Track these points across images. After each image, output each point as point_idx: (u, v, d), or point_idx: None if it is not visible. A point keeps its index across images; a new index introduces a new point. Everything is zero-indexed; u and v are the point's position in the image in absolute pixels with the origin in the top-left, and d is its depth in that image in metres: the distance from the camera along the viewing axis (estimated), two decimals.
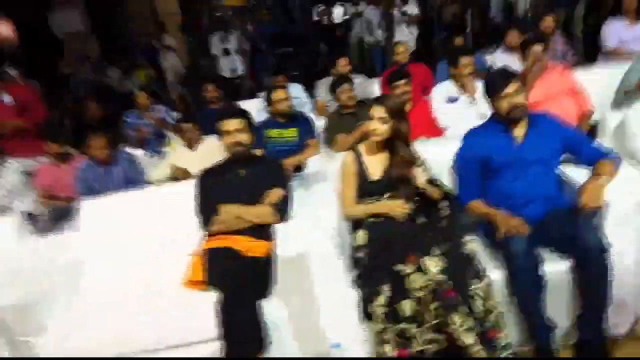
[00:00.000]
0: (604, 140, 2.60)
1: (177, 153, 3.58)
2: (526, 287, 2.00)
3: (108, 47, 7.16)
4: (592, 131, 2.95)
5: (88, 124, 4.58)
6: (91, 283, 2.54)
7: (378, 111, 2.26)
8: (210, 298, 2.11)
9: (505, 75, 2.22)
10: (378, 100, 2.31)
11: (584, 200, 2.00)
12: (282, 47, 5.87)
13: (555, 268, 2.05)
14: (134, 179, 3.36)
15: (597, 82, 3.53)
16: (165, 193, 2.88)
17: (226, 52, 5.69)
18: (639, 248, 2.05)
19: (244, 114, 2.53)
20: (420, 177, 2.27)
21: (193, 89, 5.61)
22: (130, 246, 2.64)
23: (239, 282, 2.09)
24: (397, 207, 2.23)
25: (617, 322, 2.08)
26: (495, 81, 2.23)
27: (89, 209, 2.81)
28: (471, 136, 2.35)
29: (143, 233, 2.67)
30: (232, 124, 2.43)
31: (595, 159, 2.19)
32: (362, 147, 2.41)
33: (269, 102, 3.51)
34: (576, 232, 1.99)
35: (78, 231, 2.77)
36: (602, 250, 1.94)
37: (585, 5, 5.26)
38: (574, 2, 5.38)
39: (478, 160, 2.27)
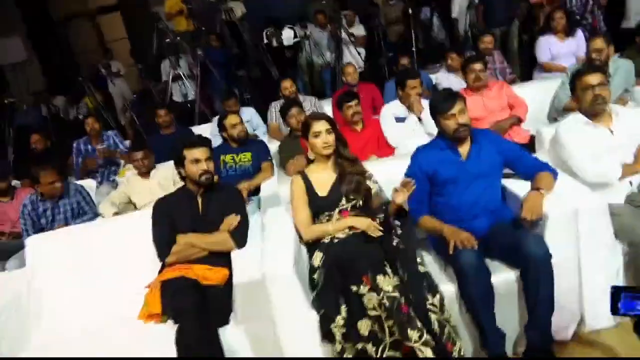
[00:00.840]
0: (541, 153, 2.74)
1: (130, 182, 3.52)
2: (477, 298, 2.07)
3: (53, 75, 6.96)
4: (531, 144, 3.11)
5: (32, 155, 4.45)
6: (39, 321, 2.46)
7: (322, 125, 2.36)
8: (169, 329, 2.08)
9: (450, 96, 2.33)
10: (316, 117, 2.41)
11: (525, 213, 2.11)
12: (234, 70, 5.89)
13: (503, 278, 2.14)
14: (84, 212, 3.28)
15: (534, 96, 3.74)
16: (119, 224, 2.82)
17: (177, 77, 5.67)
18: (577, 255, 2.17)
19: (209, 143, 2.55)
20: (373, 188, 2.39)
21: (144, 115, 5.53)
22: (82, 282, 2.56)
23: (196, 311, 2.06)
24: (370, 225, 2.21)
25: (560, 327, 2.18)
26: (441, 102, 2.33)
27: (36, 244, 2.71)
28: (419, 154, 2.44)
29: (96, 267, 2.60)
30: (201, 152, 2.44)
31: (533, 172, 2.31)
32: (308, 167, 2.47)
33: (222, 128, 3.52)
34: (520, 242, 2.08)
35: (24, 268, 2.67)
36: (545, 258, 2.04)
37: (519, 22, 5.57)
38: (509, 20, 5.69)
39: (426, 176, 2.36)
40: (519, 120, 3.48)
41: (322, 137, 2.36)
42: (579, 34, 4.42)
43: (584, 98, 2.46)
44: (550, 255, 2.05)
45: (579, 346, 2.22)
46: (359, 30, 5.96)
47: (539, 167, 2.33)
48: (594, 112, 2.44)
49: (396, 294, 1.95)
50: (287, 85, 4.31)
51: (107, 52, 7.07)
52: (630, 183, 2.38)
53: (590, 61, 3.43)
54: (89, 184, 3.77)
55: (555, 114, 3.54)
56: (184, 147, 2.44)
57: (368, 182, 2.41)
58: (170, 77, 5.64)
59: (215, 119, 3.99)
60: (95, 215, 3.35)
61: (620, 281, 2.25)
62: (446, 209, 2.34)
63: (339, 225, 2.31)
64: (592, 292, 2.23)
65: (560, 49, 4.35)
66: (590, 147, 2.41)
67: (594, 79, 2.43)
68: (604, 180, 2.36)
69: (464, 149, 2.34)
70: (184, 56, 5.87)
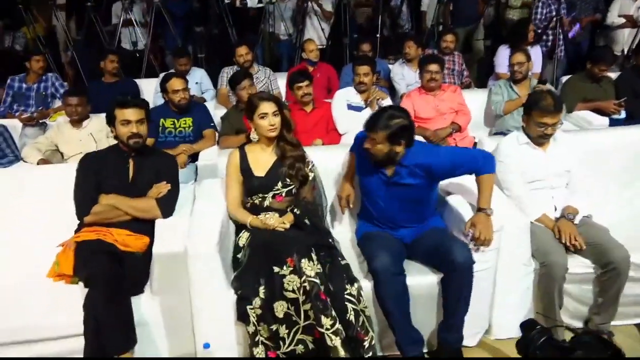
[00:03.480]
0: None
1: (60, 129, 3.30)
2: (390, 301, 2.11)
3: None
4: None
5: None
6: None
7: (270, 106, 2.29)
8: (79, 292, 2.02)
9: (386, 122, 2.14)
10: (263, 98, 2.34)
11: (477, 234, 2.12)
12: (191, 26, 5.59)
13: (427, 281, 2.19)
14: (4, 154, 3.06)
15: (484, 103, 3.85)
16: (39, 173, 2.68)
17: (128, 22, 5.32)
18: (495, 267, 2.26)
19: (144, 104, 2.40)
20: (310, 176, 2.38)
21: (87, 57, 5.17)
22: None
23: (107, 278, 1.98)
24: (276, 222, 2.24)
25: (469, 334, 2.27)
26: (376, 121, 2.18)
27: None
28: (359, 141, 2.34)
29: (8, 215, 2.46)
30: (133, 113, 2.29)
31: (471, 172, 2.23)
32: (248, 146, 2.42)
33: (164, 89, 3.33)
34: (446, 248, 2.12)
35: None
36: (469, 265, 2.09)
37: (485, 26, 5.63)
38: (476, 21, 5.73)
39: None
40: (459, 129, 3.54)
41: (268, 119, 2.29)
42: (537, 50, 4.53)
43: (535, 129, 2.45)
44: (473, 262, 2.11)
45: (483, 352, 2.32)
46: (326, 4, 5.79)
47: (474, 169, 2.22)
48: (536, 142, 2.50)
49: (317, 280, 1.98)
50: (243, 52, 4.14)
51: None
52: (555, 208, 2.48)
53: (512, 74, 3.63)
54: (13, 123, 3.52)
55: (498, 119, 3.67)
56: (117, 106, 2.29)
57: (307, 169, 2.39)
58: (121, 21, 5.29)
59: (162, 75, 3.78)
60: (17, 158, 3.14)
61: (529, 297, 2.35)
62: (372, 213, 2.37)
63: (256, 223, 2.27)
64: (503, 303, 2.34)
65: None
66: (524, 168, 2.47)
67: (552, 120, 2.41)
68: (520, 209, 2.40)
69: (390, 169, 2.24)
70: (139, 2, 5.52)
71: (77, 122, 3.28)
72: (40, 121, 3.82)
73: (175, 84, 3.28)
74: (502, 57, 4.49)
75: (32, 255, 2.28)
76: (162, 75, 3.75)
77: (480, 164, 2.21)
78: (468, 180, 2.35)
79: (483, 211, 2.19)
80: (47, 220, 2.42)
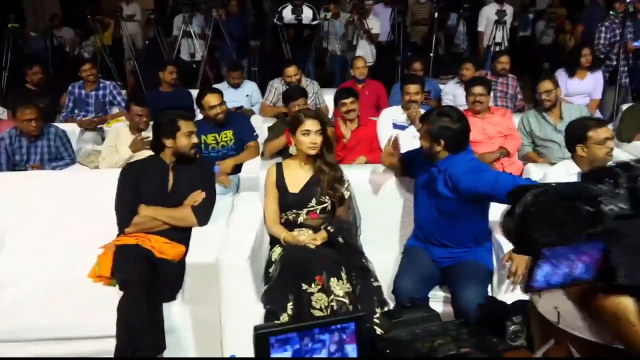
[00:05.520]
0: None
1: (120, 135, 3.39)
2: None
3: (68, 4, 6.79)
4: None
5: (28, 87, 4.39)
6: None
7: (314, 124, 2.29)
8: (115, 294, 2.08)
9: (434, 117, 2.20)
10: (310, 115, 2.34)
11: (514, 268, 2.03)
12: (247, 40, 5.75)
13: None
14: (61, 157, 3.23)
15: None
16: (91, 177, 2.80)
17: (187, 34, 5.55)
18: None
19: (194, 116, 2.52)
20: (345, 194, 2.37)
21: (148, 67, 5.42)
22: (42, 229, 2.53)
23: (140, 283, 2.05)
24: (307, 239, 2.25)
25: None
26: (428, 114, 2.27)
27: (5, 182, 2.67)
28: (414, 153, 2.41)
29: (59, 216, 2.56)
30: (191, 125, 2.42)
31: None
32: (285, 162, 2.44)
33: (200, 106, 3.29)
34: (458, 289, 2.04)
35: None
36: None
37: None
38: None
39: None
40: (507, 154, 3.42)
41: (310, 137, 2.29)
42: (598, 74, 4.33)
43: (597, 153, 2.30)
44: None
45: None
46: (374, 23, 5.80)
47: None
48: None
49: (346, 300, 1.98)
50: (291, 73, 4.15)
51: None
52: None
53: (540, 102, 3.45)
54: (71, 128, 3.71)
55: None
56: (180, 118, 2.39)
57: (343, 190, 2.38)
58: (181, 33, 5.52)
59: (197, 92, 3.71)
60: (72, 161, 3.31)
61: None
62: (416, 220, 2.35)
63: (291, 239, 2.27)
64: None
65: (575, 87, 4.26)
66: None
67: (606, 132, 2.32)
68: None
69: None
70: (199, 15, 5.75)
71: (137, 130, 3.33)
72: (98, 126, 4.02)
73: (211, 99, 3.22)
74: (560, 81, 4.32)
75: (80, 256, 2.35)
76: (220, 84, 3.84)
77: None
78: None
79: None
80: (97, 222, 2.48)
